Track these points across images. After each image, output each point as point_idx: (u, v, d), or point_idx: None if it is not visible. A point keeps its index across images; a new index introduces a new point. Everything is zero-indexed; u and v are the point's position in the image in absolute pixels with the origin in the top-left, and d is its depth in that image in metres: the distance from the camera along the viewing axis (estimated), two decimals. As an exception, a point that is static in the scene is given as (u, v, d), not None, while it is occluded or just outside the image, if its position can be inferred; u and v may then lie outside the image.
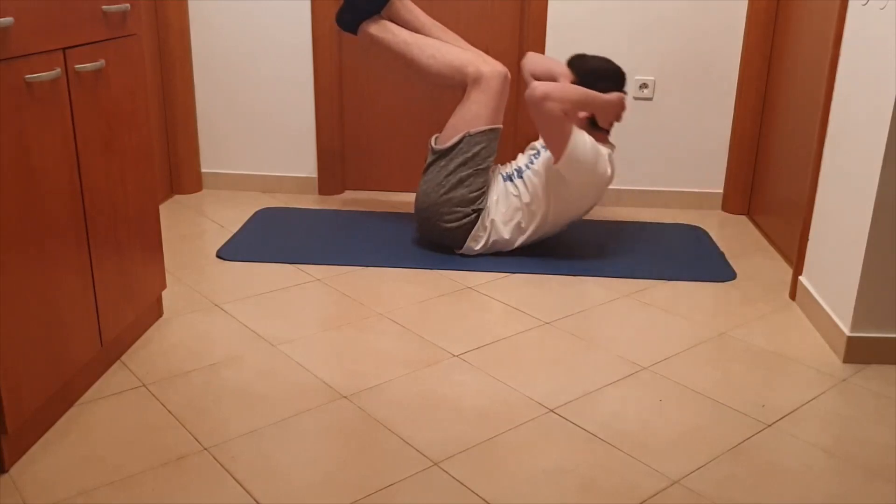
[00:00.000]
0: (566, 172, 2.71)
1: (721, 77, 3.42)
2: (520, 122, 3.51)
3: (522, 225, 2.84)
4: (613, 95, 2.81)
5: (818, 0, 2.82)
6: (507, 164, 2.97)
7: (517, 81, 3.50)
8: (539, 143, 2.96)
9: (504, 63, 3.48)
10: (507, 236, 2.85)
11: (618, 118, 2.87)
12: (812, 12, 2.89)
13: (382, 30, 2.97)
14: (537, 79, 2.93)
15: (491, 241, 2.85)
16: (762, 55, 3.33)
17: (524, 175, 2.85)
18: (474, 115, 2.83)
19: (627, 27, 3.37)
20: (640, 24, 3.36)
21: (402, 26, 3.01)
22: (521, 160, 2.94)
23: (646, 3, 3.34)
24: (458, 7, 3.44)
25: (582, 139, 2.69)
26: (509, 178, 2.88)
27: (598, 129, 2.88)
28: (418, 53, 2.92)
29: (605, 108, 2.81)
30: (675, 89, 3.45)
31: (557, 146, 2.67)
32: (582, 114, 2.84)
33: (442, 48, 2.91)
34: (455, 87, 2.93)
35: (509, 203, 2.83)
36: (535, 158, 2.87)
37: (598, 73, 2.84)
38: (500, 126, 2.87)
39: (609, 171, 2.77)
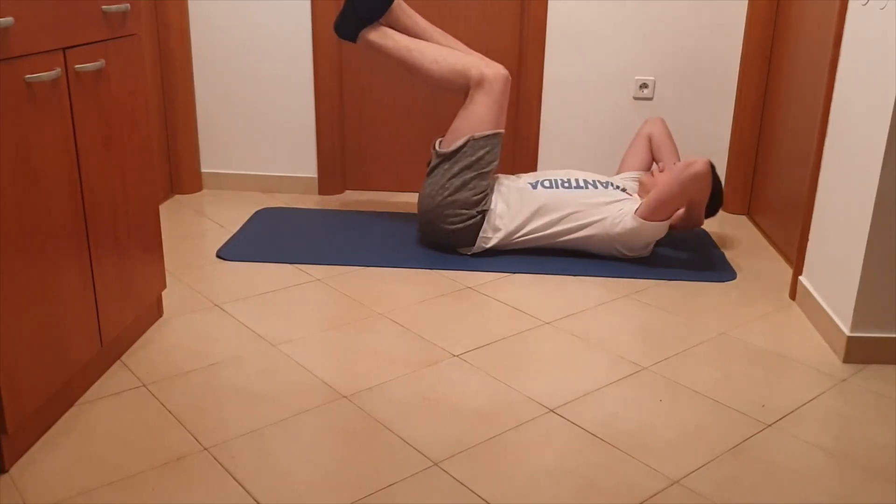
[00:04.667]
0: (631, 225, 2.76)
1: (721, 77, 3.42)
2: (520, 127, 3.51)
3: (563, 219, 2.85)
4: (703, 219, 2.97)
5: (818, 0, 2.82)
6: (547, 172, 3.00)
7: (520, 87, 3.50)
8: (642, 177, 3.05)
9: (503, 62, 3.48)
10: (516, 238, 2.87)
11: (685, 229, 3.01)
12: (812, 12, 2.89)
13: (383, 36, 2.94)
14: (652, 145, 3.14)
15: (499, 242, 2.86)
16: (762, 55, 3.33)
17: (609, 185, 2.90)
18: (478, 117, 2.83)
19: (627, 27, 3.37)
20: (640, 24, 3.37)
21: (401, 32, 2.99)
22: (618, 181, 2.99)
23: (646, 3, 3.34)
24: (458, 7, 3.44)
25: (661, 229, 2.78)
26: (594, 185, 2.89)
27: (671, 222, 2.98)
28: (420, 59, 2.90)
29: (696, 220, 2.94)
30: (675, 89, 3.45)
31: (654, 209, 2.72)
32: (681, 210, 2.93)
33: (444, 52, 2.91)
34: (458, 91, 2.93)
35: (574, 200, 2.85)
36: (631, 191, 2.94)
37: (714, 195, 2.94)
38: (503, 130, 2.87)
39: (644, 254, 2.87)
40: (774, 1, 3.26)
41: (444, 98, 3.52)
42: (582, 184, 2.88)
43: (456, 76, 2.88)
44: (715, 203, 2.98)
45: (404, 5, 2.99)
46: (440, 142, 2.91)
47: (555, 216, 2.82)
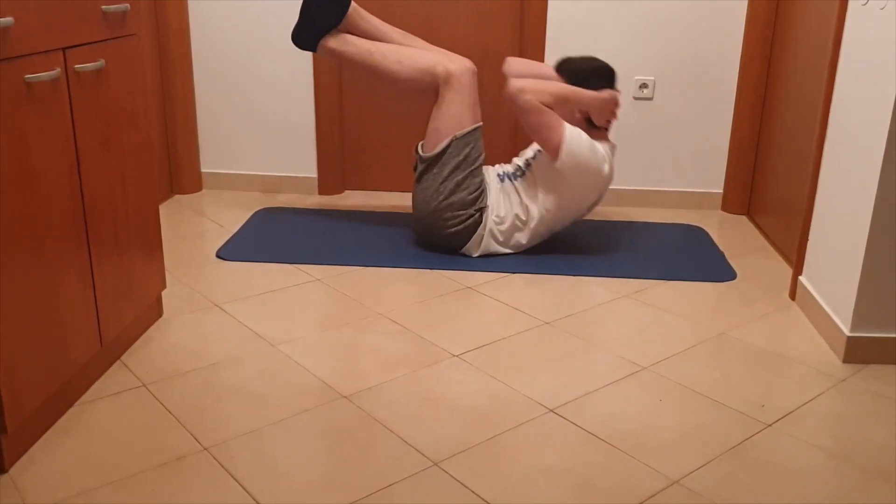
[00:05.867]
0: (564, 169, 2.71)
1: (721, 77, 3.42)
2: (521, 127, 3.50)
3: (519, 225, 2.83)
4: (604, 92, 2.83)
5: (818, 0, 2.82)
6: (504, 164, 2.98)
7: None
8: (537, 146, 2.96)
9: (502, 63, 3.48)
10: (501, 238, 2.84)
11: (613, 115, 2.89)
12: (812, 12, 2.89)
13: (343, 43, 2.90)
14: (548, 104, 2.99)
15: (489, 243, 2.85)
16: (762, 55, 3.33)
17: (525, 175, 2.86)
18: (454, 115, 2.81)
19: (627, 27, 3.37)
20: (640, 24, 3.37)
21: (361, 37, 2.94)
22: (520, 160, 2.95)
23: (646, 4, 3.34)
24: (457, 7, 3.44)
25: (577, 134, 2.71)
26: (509, 177, 2.88)
27: (595, 127, 2.89)
28: (383, 61, 2.86)
29: (593, 104, 2.83)
30: (675, 89, 3.45)
31: (550, 142, 2.69)
32: (577, 114, 2.85)
33: (407, 52, 2.87)
34: (425, 90, 2.89)
35: (509, 203, 2.83)
36: (533, 161, 2.88)
37: (587, 73, 2.86)
38: (482, 123, 2.86)
39: (607, 168, 2.77)
40: (774, 1, 3.26)
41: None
42: (524, 166, 2.90)
43: (422, 75, 2.85)
44: (578, 72, 2.86)
45: (360, 10, 2.95)
46: (422, 145, 2.89)
47: (532, 225, 2.82)
